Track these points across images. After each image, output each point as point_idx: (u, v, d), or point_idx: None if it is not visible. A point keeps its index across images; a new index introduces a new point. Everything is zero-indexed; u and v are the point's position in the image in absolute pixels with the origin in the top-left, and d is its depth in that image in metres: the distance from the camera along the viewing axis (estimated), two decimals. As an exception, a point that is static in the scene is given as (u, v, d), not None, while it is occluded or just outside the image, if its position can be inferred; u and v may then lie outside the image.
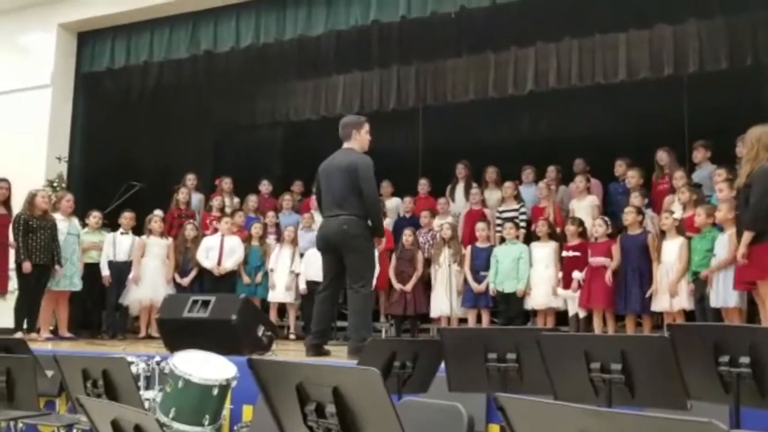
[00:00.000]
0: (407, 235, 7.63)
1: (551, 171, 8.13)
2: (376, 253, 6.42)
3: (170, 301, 5.96)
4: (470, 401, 3.24)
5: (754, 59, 7.86)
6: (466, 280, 7.35)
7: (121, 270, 7.81)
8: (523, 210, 7.73)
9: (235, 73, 9.79)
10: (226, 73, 9.77)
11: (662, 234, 6.27)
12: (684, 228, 6.24)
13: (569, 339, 3.50)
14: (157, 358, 4.29)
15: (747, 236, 5.00)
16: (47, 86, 9.23)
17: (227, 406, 3.83)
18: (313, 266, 7.56)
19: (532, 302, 7.02)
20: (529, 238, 7.43)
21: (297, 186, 9.39)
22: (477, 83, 9.51)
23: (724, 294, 5.63)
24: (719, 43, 8.06)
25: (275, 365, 2.23)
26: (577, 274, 6.63)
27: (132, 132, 9.74)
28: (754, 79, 7.93)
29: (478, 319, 7.33)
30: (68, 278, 7.47)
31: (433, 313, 7.55)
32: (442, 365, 3.51)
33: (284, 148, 11.69)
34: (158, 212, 8.21)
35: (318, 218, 7.96)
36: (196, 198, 9.02)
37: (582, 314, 6.73)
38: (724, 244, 5.70)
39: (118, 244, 7.86)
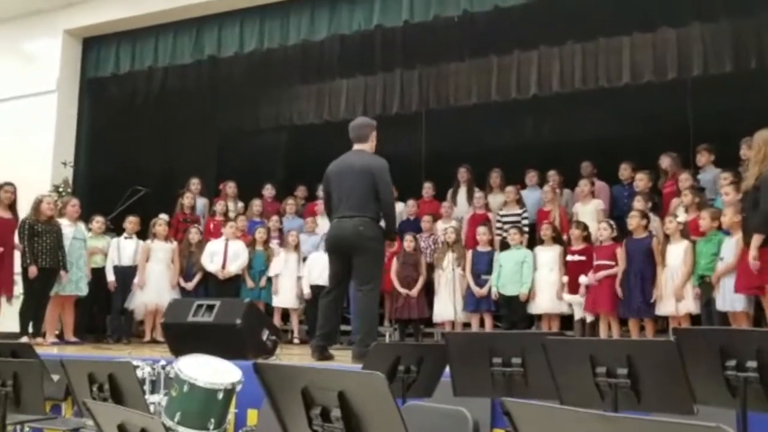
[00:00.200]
0: (408, 241, 7.62)
1: (552, 175, 8.11)
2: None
3: (175, 306, 5.97)
4: (475, 406, 3.24)
5: (758, 62, 7.86)
6: (468, 284, 7.35)
7: (126, 274, 7.83)
8: (525, 215, 7.72)
9: (239, 78, 9.82)
10: (230, 78, 9.80)
11: (666, 238, 6.26)
12: (688, 231, 6.22)
13: (575, 343, 3.49)
14: (163, 363, 4.30)
15: (757, 239, 4.99)
16: (53, 92, 9.27)
17: (232, 410, 3.83)
18: (315, 270, 7.58)
19: (537, 306, 7.00)
20: (532, 242, 7.43)
21: (300, 190, 9.41)
22: (480, 87, 9.52)
23: (730, 298, 5.61)
24: (723, 46, 8.06)
25: (281, 369, 2.23)
26: (583, 279, 6.62)
27: (137, 137, 9.78)
28: (758, 82, 7.91)
29: (481, 324, 7.32)
30: (74, 283, 7.48)
31: (437, 317, 7.54)
32: (447, 370, 3.50)
33: (288, 152, 11.70)
34: (163, 216, 8.23)
35: (321, 222, 7.99)
36: (201, 202, 9.04)
37: (589, 318, 6.72)
38: (731, 248, 5.68)
39: (122, 249, 7.87)
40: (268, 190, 9.26)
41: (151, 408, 3.49)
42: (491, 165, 8.52)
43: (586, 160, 8.28)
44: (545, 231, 7.11)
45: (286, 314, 8.12)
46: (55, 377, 4.42)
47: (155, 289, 7.73)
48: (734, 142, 6.69)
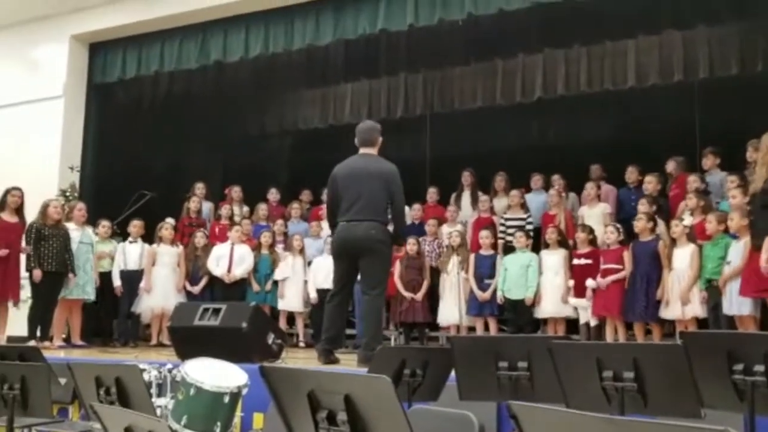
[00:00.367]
0: (411, 244, 7.61)
1: (557, 179, 8.10)
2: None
3: (181, 309, 5.98)
4: (481, 410, 3.23)
5: (764, 65, 7.83)
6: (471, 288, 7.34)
7: (132, 278, 7.85)
8: (530, 219, 7.71)
9: (244, 82, 9.86)
10: (235, 83, 9.84)
11: (673, 241, 6.25)
12: (695, 235, 6.21)
13: (581, 347, 3.49)
14: (169, 366, 4.31)
15: None
16: (60, 97, 9.32)
17: (238, 413, 3.83)
18: (320, 274, 7.58)
19: (542, 311, 6.99)
20: (537, 246, 7.42)
21: (305, 195, 9.42)
22: (485, 91, 9.51)
23: (738, 302, 5.59)
24: (730, 48, 8.04)
25: (287, 373, 2.23)
26: (590, 282, 6.61)
27: (143, 141, 9.82)
28: (764, 85, 7.88)
29: (486, 328, 7.31)
30: (81, 287, 7.51)
31: (442, 321, 7.54)
32: (453, 373, 3.50)
33: (293, 156, 11.71)
34: (169, 221, 8.26)
35: (326, 226, 7.98)
36: (206, 207, 9.07)
37: (593, 322, 6.70)
38: (738, 252, 5.67)
39: (128, 253, 7.90)
40: (273, 195, 9.28)
41: (158, 411, 3.49)
42: (496, 169, 8.52)
43: (592, 163, 8.27)
44: (550, 235, 7.10)
45: (291, 318, 8.12)
46: (63, 380, 4.43)
47: (162, 293, 7.76)
48: (740, 144, 6.67)
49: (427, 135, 10.09)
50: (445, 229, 8.02)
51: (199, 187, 8.92)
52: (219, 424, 3.04)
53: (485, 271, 7.30)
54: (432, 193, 8.80)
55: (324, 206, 8.18)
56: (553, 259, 7.02)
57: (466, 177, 8.59)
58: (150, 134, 9.94)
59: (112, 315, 8.08)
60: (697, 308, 6.02)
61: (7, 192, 7.32)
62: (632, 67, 8.49)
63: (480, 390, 3.33)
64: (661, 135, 8.37)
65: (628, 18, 8.00)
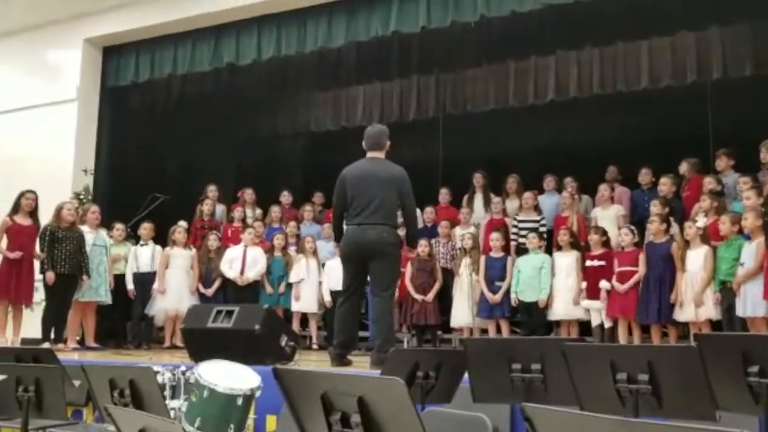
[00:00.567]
0: (423, 246, 7.61)
1: (570, 181, 8.06)
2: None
3: (195, 312, 6.01)
4: (494, 412, 3.23)
5: (778, 66, 7.78)
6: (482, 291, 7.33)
7: (144, 281, 7.89)
8: (543, 222, 7.69)
9: (256, 85, 9.88)
10: (248, 86, 9.87)
11: (686, 243, 6.21)
12: (708, 236, 6.16)
13: (595, 349, 3.47)
14: (183, 368, 4.32)
15: None
16: (73, 100, 9.39)
17: (251, 416, 3.84)
18: (334, 276, 7.59)
19: (554, 313, 6.96)
20: (549, 248, 7.39)
21: (318, 197, 9.43)
22: (497, 92, 9.49)
23: (752, 303, 5.55)
24: (743, 49, 7.98)
25: (301, 375, 2.23)
26: (604, 284, 6.58)
27: (156, 144, 9.87)
28: (779, 86, 7.83)
29: (498, 330, 7.29)
30: (94, 289, 7.55)
31: (455, 323, 7.53)
32: (466, 376, 3.49)
33: (305, 159, 11.75)
34: (182, 223, 8.29)
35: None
36: (219, 209, 9.09)
37: (607, 324, 6.67)
38: (751, 253, 5.63)
39: (139, 256, 7.94)
40: (285, 197, 9.29)
41: (172, 413, 3.50)
42: (509, 170, 8.50)
43: (604, 165, 8.24)
44: (562, 236, 7.08)
45: (304, 320, 8.14)
46: (77, 383, 4.44)
47: (175, 296, 7.79)
48: (754, 145, 6.62)
49: (439, 137, 10.08)
50: (458, 231, 8.00)
51: (212, 190, 8.96)
52: (232, 426, 3.05)
53: (496, 273, 7.29)
54: (444, 195, 8.79)
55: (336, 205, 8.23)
56: (566, 261, 7.00)
57: (478, 179, 8.58)
58: (163, 137, 9.99)
59: (125, 317, 8.12)
60: (710, 310, 5.98)
61: (22, 195, 7.37)
62: (645, 68, 8.44)
63: (493, 392, 3.32)
64: (675, 136, 8.33)
65: (641, 19, 7.95)
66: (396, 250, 5.54)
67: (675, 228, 6.66)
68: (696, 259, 6.09)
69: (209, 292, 7.96)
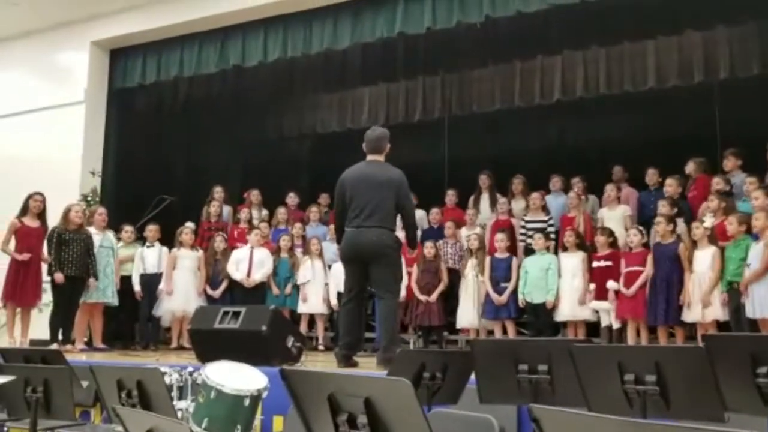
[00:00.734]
0: (429, 248, 7.61)
1: (576, 182, 8.06)
2: (403, 265, 6.47)
3: (202, 313, 6.02)
4: (501, 413, 3.22)
5: (786, 65, 7.75)
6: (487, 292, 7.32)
7: (151, 282, 7.91)
8: (551, 222, 7.67)
9: (263, 87, 9.91)
10: (254, 88, 9.89)
11: (694, 243, 6.18)
12: (716, 237, 6.14)
13: (602, 350, 3.46)
14: (190, 369, 4.33)
15: None
16: (81, 102, 9.42)
17: (258, 416, 3.85)
18: (342, 278, 7.58)
19: (560, 313, 6.96)
20: (555, 248, 7.38)
21: (323, 198, 9.44)
22: (503, 93, 9.48)
23: (760, 304, 5.53)
24: (750, 48, 7.96)
25: (307, 376, 2.24)
26: (612, 284, 6.56)
27: (163, 146, 9.90)
28: (787, 85, 7.80)
29: (504, 331, 7.28)
30: (101, 291, 7.58)
31: (460, 324, 7.53)
32: (473, 377, 3.49)
33: (311, 160, 11.76)
34: (189, 224, 8.32)
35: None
36: (225, 210, 9.11)
37: (616, 325, 6.65)
38: (757, 254, 5.60)
39: (146, 257, 7.97)
40: (291, 198, 9.30)
41: (179, 414, 3.51)
42: (515, 171, 8.49)
43: (611, 165, 8.22)
44: (568, 237, 7.07)
45: (311, 321, 8.14)
46: (85, 383, 4.46)
47: (182, 297, 7.81)
48: (762, 145, 6.60)
49: (445, 138, 10.07)
50: (464, 232, 8.00)
51: (218, 191, 8.97)
52: (239, 427, 3.05)
53: (501, 274, 7.28)
54: (451, 196, 8.79)
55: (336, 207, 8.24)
56: (572, 261, 6.98)
57: (484, 180, 8.58)
58: (170, 139, 10.03)
59: (133, 318, 8.14)
60: (718, 311, 5.95)
61: (30, 197, 7.42)
62: (652, 68, 8.42)
63: (500, 393, 3.32)
64: (682, 136, 8.30)
65: (647, 19, 7.94)
66: (395, 252, 5.55)
67: (682, 228, 6.64)
68: (704, 260, 6.07)
69: (216, 293, 7.97)
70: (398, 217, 5.68)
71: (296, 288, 8.01)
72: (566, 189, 8.14)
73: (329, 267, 7.98)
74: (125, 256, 8.00)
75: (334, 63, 9.45)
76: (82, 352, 7.26)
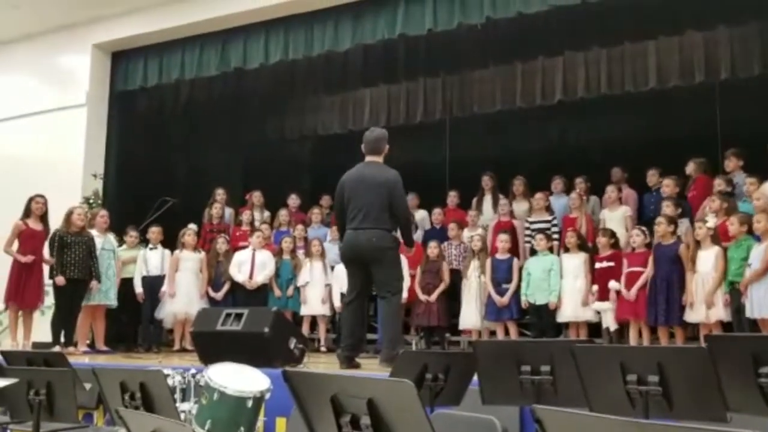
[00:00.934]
0: (432, 248, 7.63)
1: (579, 182, 8.07)
2: (405, 266, 6.48)
3: (204, 315, 6.03)
4: (503, 414, 3.22)
5: (787, 65, 7.75)
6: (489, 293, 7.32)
7: (153, 284, 7.92)
8: (555, 222, 7.68)
9: (264, 89, 9.91)
10: (255, 90, 9.90)
11: (697, 244, 6.18)
12: (719, 237, 6.14)
13: (604, 351, 3.46)
14: (193, 371, 4.34)
15: None
16: (82, 105, 9.43)
17: (261, 418, 3.85)
18: (344, 279, 7.58)
19: (562, 314, 6.95)
20: (557, 249, 7.38)
21: (325, 200, 9.44)
22: (504, 94, 9.48)
23: (759, 305, 5.52)
24: (751, 49, 7.95)
25: (310, 377, 2.24)
26: (613, 284, 6.56)
27: (165, 148, 9.91)
28: (788, 85, 7.80)
29: (506, 332, 7.28)
30: (103, 293, 7.58)
31: (463, 325, 7.53)
32: (475, 378, 3.50)
33: (312, 162, 11.78)
34: (192, 226, 8.32)
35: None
36: (227, 212, 9.12)
37: (613, 327, 6.65)
38: (759, 254, 5.60)
39: (149, 259, 7.97)
40: (293, 200, 9.31)
41: (182, 416, 3.52)
42: (516, 172, 8.49)
43: (613, 166, 8.23)
44: (570, 238, 7.07)
45: (313, 322, 8.15)
46: (87, 386, 4.48)
47: (184, 299, 7.81)
48: (763, 145, 6.59)
49: (446, 139, 10.08)
50: (466, 233, 8.00)
51: (220, 193, 8.98)
52: (242, 428, 3.06)
53: (502, 276, 7.28)
54: (452, 197, 8.80)
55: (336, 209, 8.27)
56: (574, 262, 6.99)
57: (486, 181, 8.59)
58: (171, 141, 10.05)
59: (135, 321, 8.15)
60: (721, 311, 5.95)
61: (32, 199, 7.42)
62: (653, 68, 8.42)
63: (503, 394, 3.32)
64: (683, 136, 8.30)
65: (648, 19, 7.93)
66: (392, 252, 5.55)
67: (684, 228, 6.64)
68: (707, 260, 6.06)
69: (218, 295, 7.98)
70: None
71: (298, 290, 8.02)
72: (568, 190, 8.14)
73: (332, 268, 7.99)
74: (128, 258, 8.01)
75: (335, 65, 9.46)
76: (84, 355, 7.26)
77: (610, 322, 6.67)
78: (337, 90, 10.38)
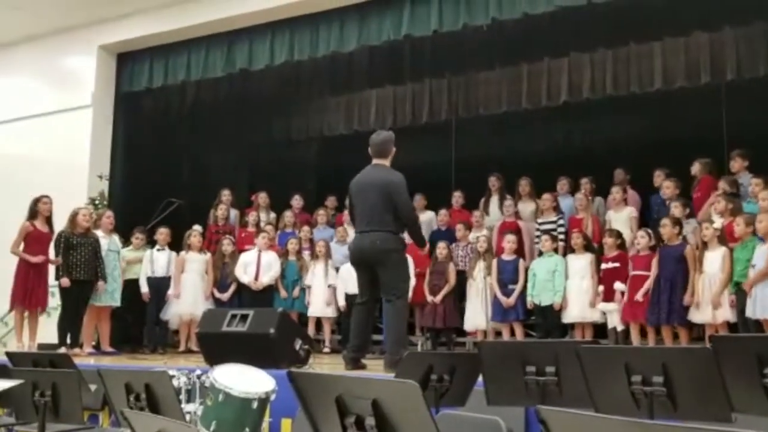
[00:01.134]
0: (441, 248, 7.63)
1: (585, 183, 8.06)
2: (411, 268, 6.48)
3: (209, 316, 6.04)
4: (509, 415, 3.22)
5: (793, 65, 7.72)
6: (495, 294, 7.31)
7: (160, 285, 7.94)
8: (561, 222, 7.66)
9: (269, 90, 9.92)
10: (260, 91, 9.90)
11: (704, 245, 6.16)
12: (725, 237, 6.12)
13: (609, 351, 3.46)
14: (198, 372, 4.35)
15: None
16: (88, 106, 9.45)
17: (266, 419, 3.86)
18: (350, 280, 7.59)
19: (568, 315, 6.95)
20: (563, 250, 7.37)
21: (330, 201, 9.46)
22: (510, 95, 9.47)
23: (762, 305, 5.51)
24: (757, 49, 7.93)
25: (315, 378, 2.25)
26: (619, 285, 6.55)
27: (170, 149, 9.93)
28: (793, 86, 7.77)
29: (512, 333, 7.27)
30: (110, 294, 7.61)
31: (468, 326, 7.53)
32: (480, 378, 3.49)
33: (318, 163, 11.79)
34: (197, 228, 8.34)
35: (351, 232, 8.04)
36: (232, 213, 9.13)
37: (620, 327, 6.64)
38: (762, 255, 5.58)
39: (155, 261, 7.99)
40: (297, 201, 9.31)
41: (187, 417, 3.52)
42: (522, 173, 8.47)
43: (618, 167, 8.21)
44: (575, 239, 7.06)
45: (318, 323, 8.15)
46: (93, 387, 4.48)
47: (190, 300, 7.83)
48: (770, 146, 6.58)
49: (452, 140, 10.07)
50: (472, 234, 8.00)
51: (225, 194, 8.99)
52: (247, 429, 3.06)
53: (508, 277, 7.28)
54: (457, 198, 8.80)
55: (346, 212, 8.31)
56: (579, 263, 6.98)
57: (493, 182, 8.58)
58: (177, 142, 10.06)
59: (141, 322, 8.17)
60: (727, 312, 5.93)
61: (38, 200, 7.42)
62: (658, 69, 8.40)
63: (508, 395, 3.32)
64: (688, 137, 8.28)
65: (654, 20, 7.92)
66: (397, 254, 5.55)
67: (690, 228, 6.62)
68: (714, 261, 6.04)
69: (224, 296, 7.99)
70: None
71: (304, 291, 8.03)
72: (574, 191, 8.13)
73: (337, 270, 7.99)
74: (133, 259, 8.02)
75: (340, 66, 9.47)
76: (90, 356, 7.28)
77: (616, 323, 6.66)
78: (343, 91, 10.38)
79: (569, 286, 6.95)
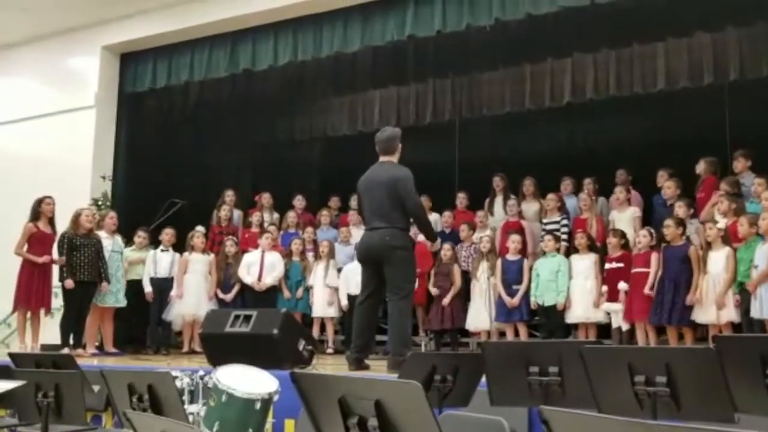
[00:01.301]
0: (445, 250, 7.62)
1: (588, 183, 8.05)
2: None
3: (213, 317, 6.04)
4: (512, 415, 3.22)
5: (796, 65, 7.71)
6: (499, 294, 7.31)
7: (163, 286, 7.94)
8: (564, 222, 7.66)
9: (273, 90, 9.93)
10: (264, 91, 9.91)
11: (708, 245, 6.15)
12: (729, 238, 6.11)
13: (612, 351, 3.46)
14: (201, 373, 4.35)
15: None
16: (91, 107, 9.47)
17: (269, 420, 3.86)
18: (353, 280, 7.60)
19: (572, 315, 6.94)
20: (567, 250, 7.37)
21: (334, 201, 9.46)
22: (513, 95, 9.47)
23: (766, 305, 5.49)
24: (760, 49, 7.92)
25: (318, 379, 2.24)
26: (623, 285, 6.55)
27: (173, 150, 9.94)
28: (797, 86, 7.76)
29: (516, 333, 7.27)
30: (114, 294, 7.61)
31: (471, 326, 7.52)
32: (483, 379, 3.49)
33: (322, 163, 11.79)
34: (200, 229, 8.35)
35: (355, 232, 8.06)
36: (235, 214, 9.14)
37: (625, 327, 6.63)
38: (764, 255, 5.57)
39: (159, 261, 7.99)
40: (299, 201, 9.31)
41: (190, 418, 3.53)
42: (525, 173, 8.47)
43: (621, 167, 8.20)
44: (579, 239, 7.06)
45: (322, 324, 8.15)
46: (96, 388, 4.48)
47: (193, 301, 7.83)
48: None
49: (455, 140, 10.07)
50: (476, 234, 8.00)
51: (228, 195, 8.99)
52: (250, 430, 3.07)
53: (512, 277, 7.27)
54: (461, 198, 8.79)
55: (352, 212, 8.32)
56: (583, 263, 6.97)
57: (497, 182, 8.57)
58: (180, 143, 10.07)
59: (144, 322, 8.17)
60: (732, 312, 5.92)
61: (41, 201, 7.43)
62: (662, 70, 8.39)
63: (511, 395, 3.32)
64: (691, 138, 8.27)
65: (657, 21, 7.91)
66: (403, 252, 5.51)
67: (694, 228, 6.61)
68: (718, 261, 6.04)
69: (227, 297, 7.99)
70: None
71: (308, 291, 8.04)
72: (577, 191, 8.13)
73: (340, 270, 7.99)
74: (135, 259, 8.03)
75: (344, 66, 9.48)
76: (93, 357, 7.28)
77: (621, 323, 6.66)
78: (346, 91, 10.39)
79: (573, 286, 6.95)
